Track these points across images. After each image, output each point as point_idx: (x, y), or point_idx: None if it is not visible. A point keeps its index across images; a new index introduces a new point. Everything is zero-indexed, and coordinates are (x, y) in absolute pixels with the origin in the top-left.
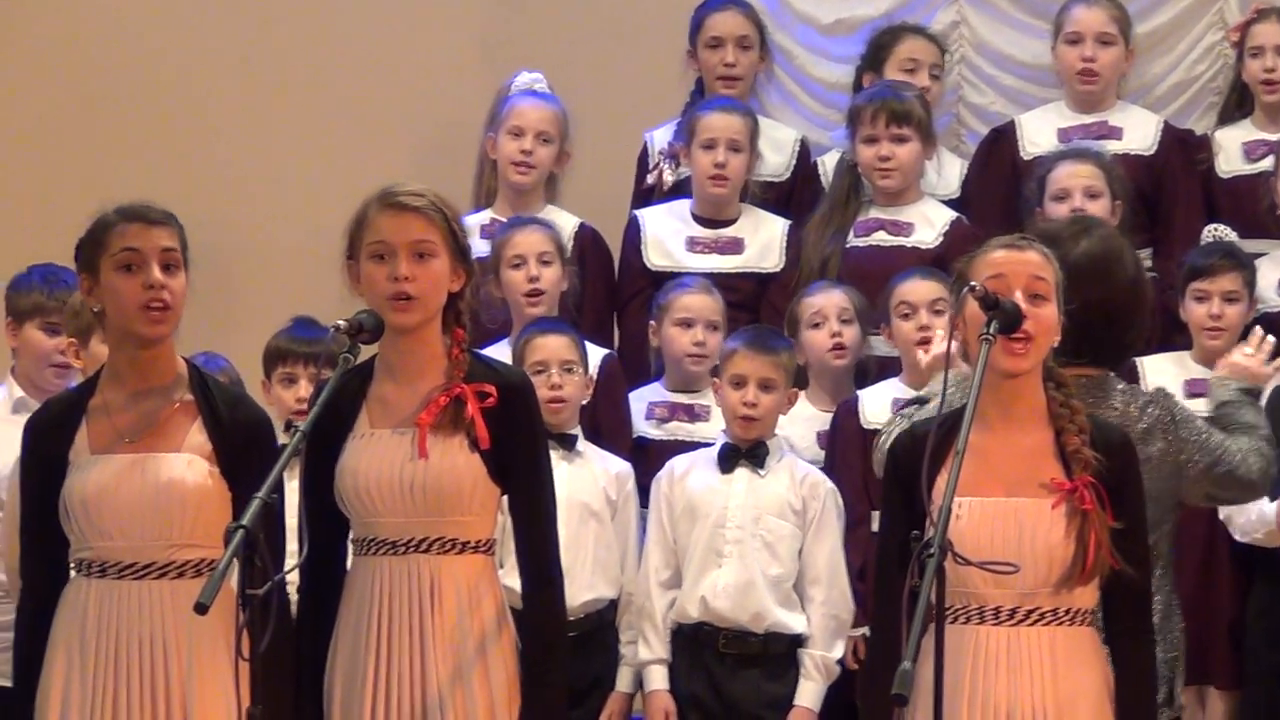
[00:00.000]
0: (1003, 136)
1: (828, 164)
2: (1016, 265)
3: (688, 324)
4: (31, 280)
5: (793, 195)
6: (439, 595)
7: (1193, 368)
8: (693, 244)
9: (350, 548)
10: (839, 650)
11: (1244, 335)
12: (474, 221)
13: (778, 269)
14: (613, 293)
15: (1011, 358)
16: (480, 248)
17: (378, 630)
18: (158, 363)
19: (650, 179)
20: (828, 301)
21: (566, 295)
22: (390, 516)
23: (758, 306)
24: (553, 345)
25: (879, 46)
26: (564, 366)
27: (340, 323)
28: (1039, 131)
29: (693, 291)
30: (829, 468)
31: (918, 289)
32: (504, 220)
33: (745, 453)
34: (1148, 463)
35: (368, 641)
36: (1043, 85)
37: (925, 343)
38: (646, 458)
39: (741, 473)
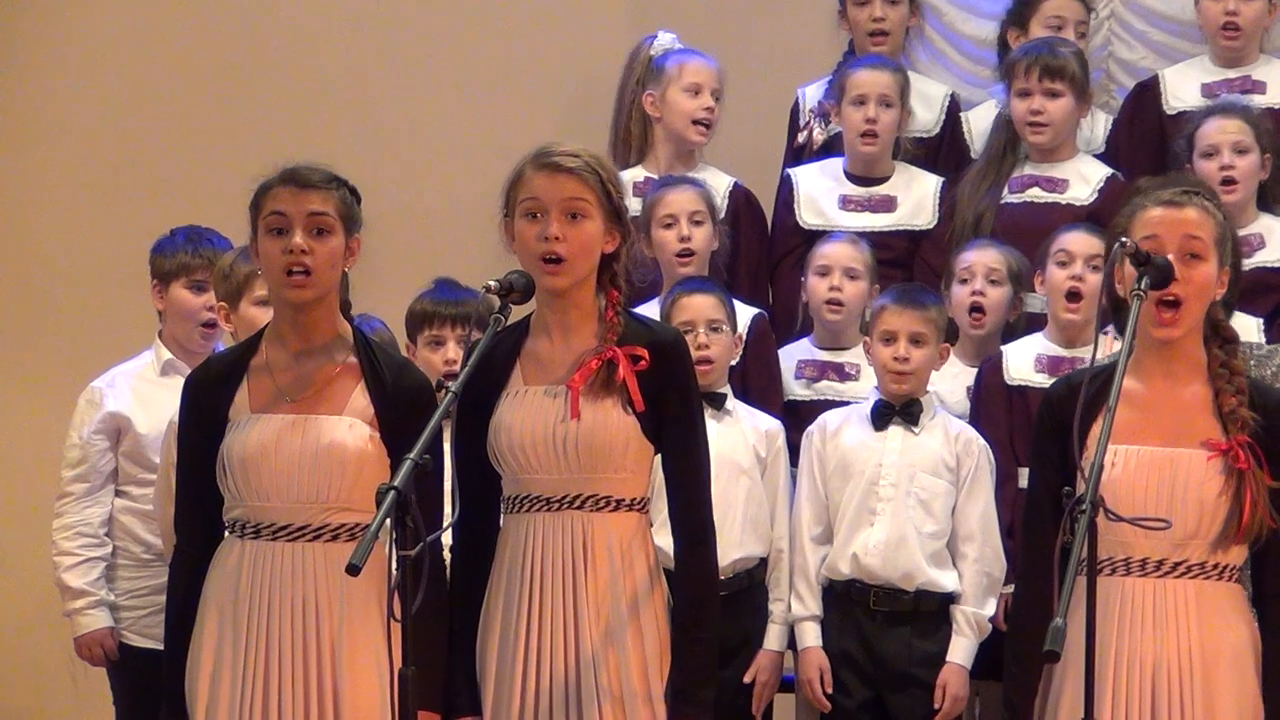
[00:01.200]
0: (1147, 91)
1: (972, 120)
2: (1171, 226)
3: (825, 272)
4: (175, 241)
5: (940, 151)
6: (592, 552)
7: None
8: (845, 202)
9: (503, 506)
10: (991, 607)
11: None
12: (627, 178)
13: (930, 226)
14: (767, 252)
15: (1162, 328)
16: (634, 207)
17: (530, 587)
18: (319, 324)
19: (800, 138)
20: (979, 259)
21: (717, 255)
22: (544, 473)
23: (911, 264)
24: (699, 304)
25: (1024, 3)
26: (711, 326)
27: (491, 283)
28: (1182, 86)
29: (835, 241)
30: (973, 424)
31: (1079, 240)
32: (657, 179)
33: (899, 410)
34: None
35: (520, 599)
36: (1192, 41)
37: (1073, 295)
38: (797, 418)
39: (895, 430)
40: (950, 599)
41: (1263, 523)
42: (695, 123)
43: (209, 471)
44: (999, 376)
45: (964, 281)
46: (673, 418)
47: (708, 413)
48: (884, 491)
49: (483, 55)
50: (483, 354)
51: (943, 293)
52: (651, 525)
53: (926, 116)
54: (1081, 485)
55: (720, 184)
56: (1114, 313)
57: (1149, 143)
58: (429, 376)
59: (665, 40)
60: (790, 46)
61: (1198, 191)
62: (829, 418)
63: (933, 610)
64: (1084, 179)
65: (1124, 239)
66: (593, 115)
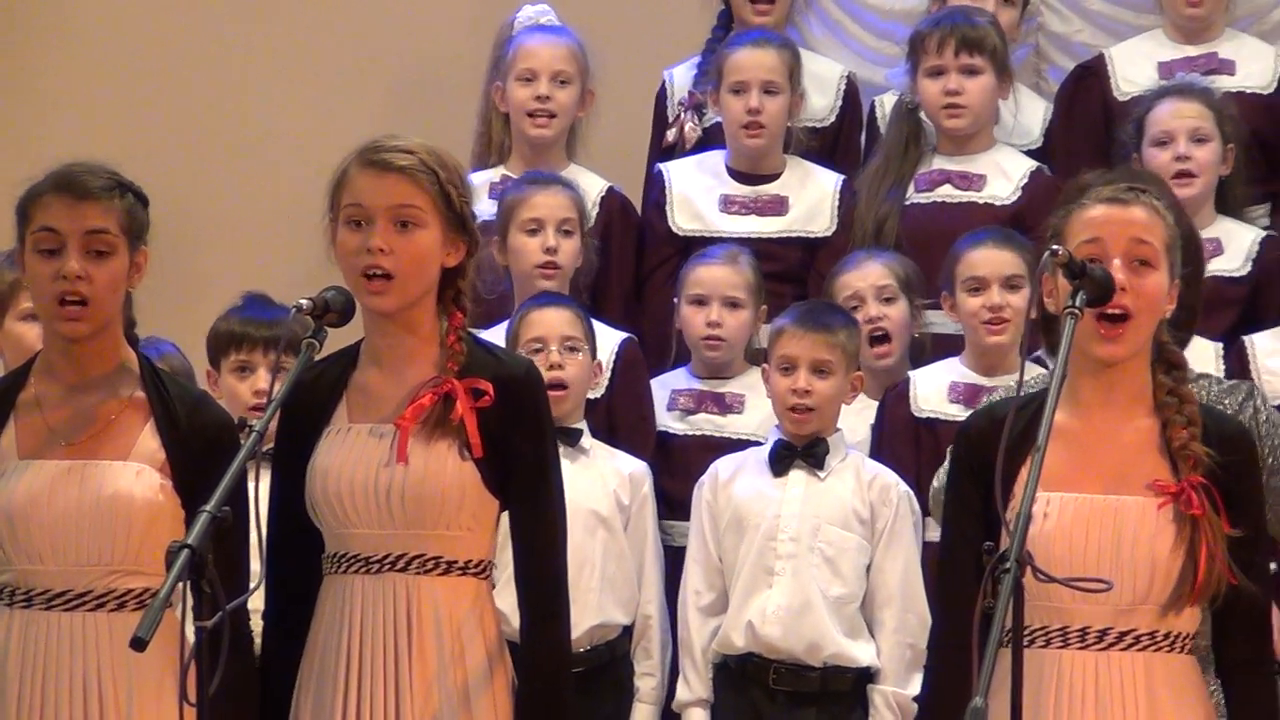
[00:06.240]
0: (1090, 74)
1: (886, 106)
2: (1116, 226)
3: (701, 301)
4: None
5: (839, 143)
6: (417, 626)
7: None
8: (727, 203)
9: (323, 566)
10: (916, 685)
11: None
12: (481, 179)
13: (828, 232)
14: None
15: (1105, 344)
16: (488, 210)
17: (346, 664)
18: (98, 353)
19: (670, 135)
20: (863, 280)
21: (580, 273)
22: (364, 528)
23: (805, 278)
24: (552, 320)
25: None
26: (565, 344)
27: (302, 301)
28: (1135, 67)
29: (710, 262)
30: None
31: (990, 260)
32: (518, 176)
33: (801, 451)
34: None
35: (336, 675)
36: (1137, 10)
37: (995, 323)
38: (668, 456)
39: (797, 475)
40: (866, 676)
41: (1221, 579)
42: (529, 115)
43: None
44: (905, 406)
45: (854, 309)
46: (521, 466)
47: (561, 451)
48: (783, 548)
49: (305, 31)
50: (292, 386)
51: None
52: (495, 586)
53: (819, 103)
54: (1006, 540)
55: (591, 188)
56: (1046, 333)
57: (1092, 134)
58: (235, 407)
59: (528, 14)
60: (659, 20)
61: (1145, 189)
62: (722, 464)
63: (844, 690)
64: (1004, 173)
65: (1055, 247)
66: (429, 97)
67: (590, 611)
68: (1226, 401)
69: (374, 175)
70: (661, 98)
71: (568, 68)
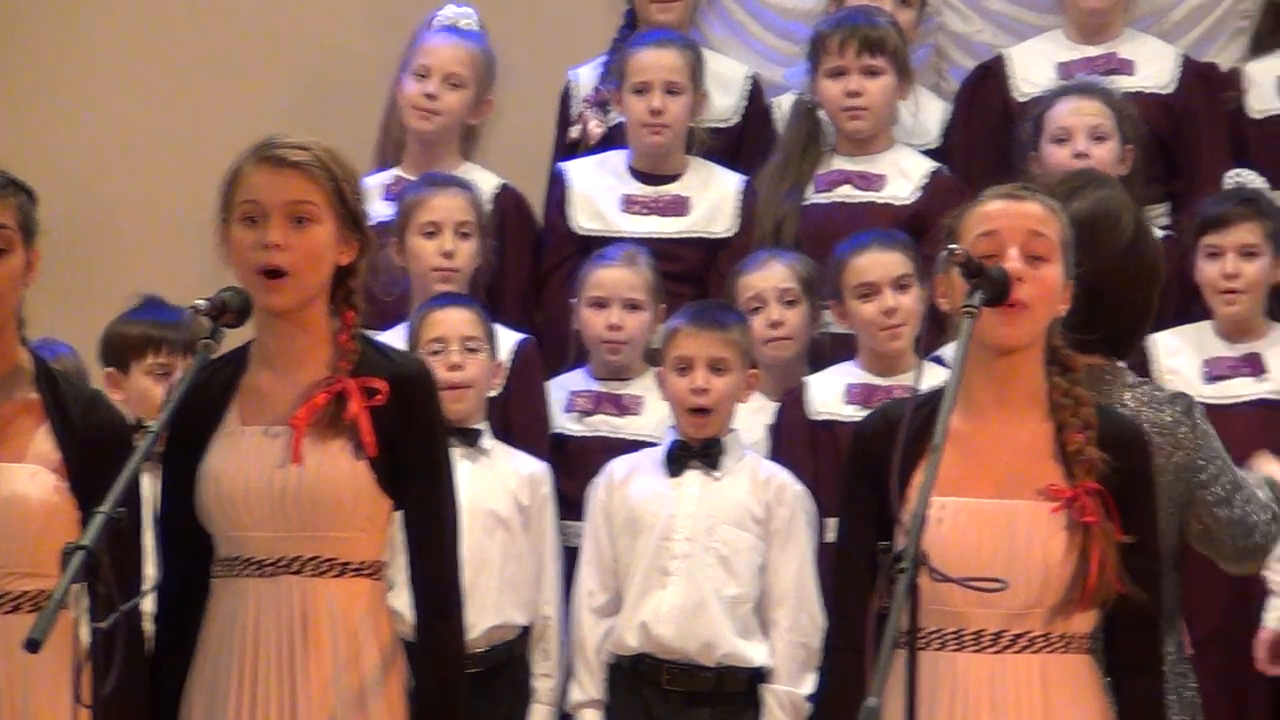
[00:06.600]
0: (990, 75)
1: (785, 106)
2: (1013, 219)
3: (601, 304)
4: None
5: (742, 144)
6: (313, 627)
7: (1213, 343)
8: (629, 203)
9: (214, 568)
10: (809, 685)
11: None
12: (375, 182)
13: (729, 233)
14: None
15: (1003, 326)
16: (383, 212)
17: (240, 666)
18: None
19: (574, 132)
20: (765, 281)
21: (480, 273)
22: (257, 530)
23: (706, 278)
24: (453, 320)
25: None
26: (466, 344)
27: (199, 302)
28: (1034, 67)
29: (610, 264)
30: None
31: (878, 263)
32: (412, 180)
33: (697, 451)
34: (1162, 474)
35: (228, 678)
36: (1038, 10)
37: (892, 328)
38: (565, 457)
39: (693, 475)
40: (759, 676)
41: (1110, 587)
42: (415, 108)
43: None
44: (800, 410)
45: (755, 310)
46: (415, 467)
47: (461, 452)
48: (678, 547)
49: (201, 31)
50: (189, 388)
51: None
52: (391, 588)
53: (723, 103)
54: (902, 540)
55: (485, 186)
56: (941, 332)
57: (991, 135)
58: (148, 410)
59: (447, 15)
60: (564, 19)
61: (1038, 189)
62: (617, 465)
63: (738, 690)
64: (904, 174)
65: (952, 246)
66: (332, 104)
67: (488, 612)
68: (1165, 409)
69: (270, 171)
70: (565, 99)
71: (462, 71)
